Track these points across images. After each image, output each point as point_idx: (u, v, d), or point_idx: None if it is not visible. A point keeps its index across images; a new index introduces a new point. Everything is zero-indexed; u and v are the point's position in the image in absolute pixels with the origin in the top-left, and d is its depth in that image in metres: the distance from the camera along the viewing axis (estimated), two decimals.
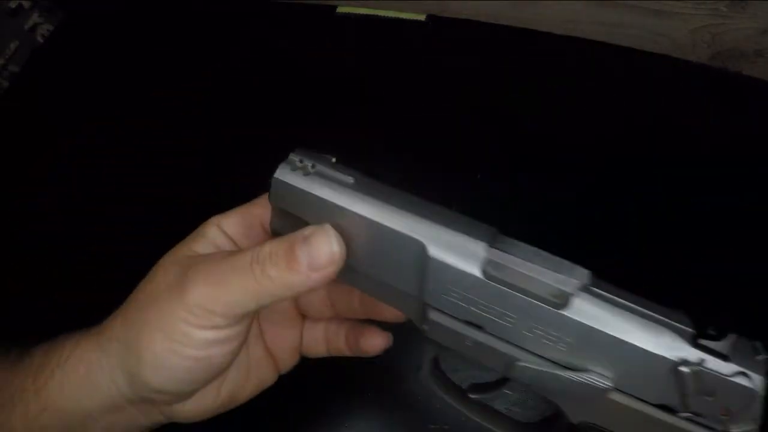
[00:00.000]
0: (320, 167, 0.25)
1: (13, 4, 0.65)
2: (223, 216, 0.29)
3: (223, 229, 0.29)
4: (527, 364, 0.24)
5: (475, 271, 0.23)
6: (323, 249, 0.23)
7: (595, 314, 0.22)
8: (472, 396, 0.29)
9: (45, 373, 0.26)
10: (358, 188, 0.24)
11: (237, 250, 0.26)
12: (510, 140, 0.54)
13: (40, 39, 0.68)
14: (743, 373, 0.21)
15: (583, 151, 0.53)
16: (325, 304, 0.32)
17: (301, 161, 0.25)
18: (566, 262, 0.24)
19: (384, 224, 0.24)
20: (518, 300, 0.23)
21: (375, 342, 0.31)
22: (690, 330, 0.22)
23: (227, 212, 0.29)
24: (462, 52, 0.61)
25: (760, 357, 0.22)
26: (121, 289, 0.44)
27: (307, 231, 0.24)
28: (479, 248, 0.23)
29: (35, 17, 0.68)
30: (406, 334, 0.44)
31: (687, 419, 0.22)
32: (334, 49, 0.62)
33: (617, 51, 0.59)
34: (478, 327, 0.24)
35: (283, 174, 0.25)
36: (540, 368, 0.23)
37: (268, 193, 0.26)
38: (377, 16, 0.63)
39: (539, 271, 0.23)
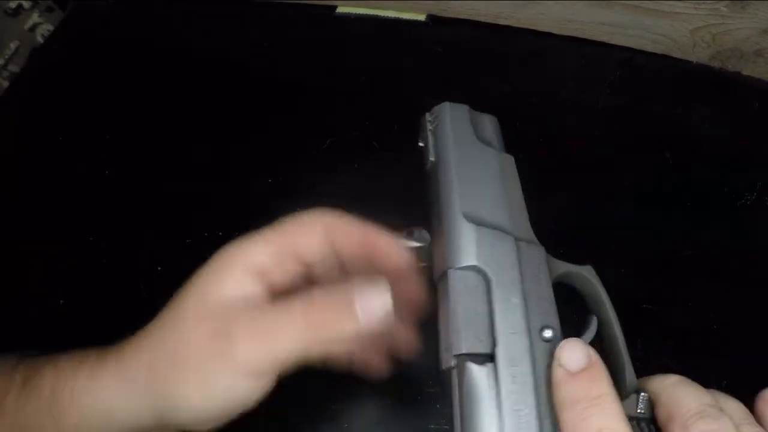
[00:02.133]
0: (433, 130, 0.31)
1: (13, 4, 0.65)
2: (247, 247, 0.27)
3: (251, 264, 0.26)
4: None
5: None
6: (378, 302, 0.24)
7: (453, 390, 0.22)
8: None
9: (58, 406, 0.26)
10: (430, 172, 0.29)
11: (283, 301, 0.25)
12: (510, 140, 0.54)
13: (40, 39, 0.68)
14: None
15: (583, 151, 0.53)
16: None
17: (431, 116, 0.32)
18: (472, 331, 0.23)
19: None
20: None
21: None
22: None
23: (251, 241, 0.27)
24: (462, 52, 0.61)
25: None
26: (116, 288, 0.43)
27: (358, 282, 0.25)
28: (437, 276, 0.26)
29: (35, 17, 0.67)
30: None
31: None
32: (333, 48, 0.62)
33: (617, 51, 0.59)
34: None
35: (423, 121, 0.32)
36: None
37: (305, 214, 0.28)
38: (377, 16, 0.63)
39: (444, 326, 0.24)
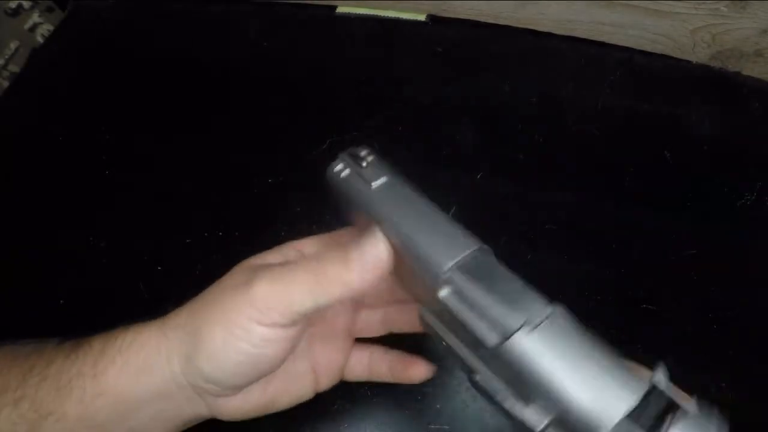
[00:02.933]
0: (356, 169, 0.29)
1: (13, 4, 0.65)
2: (303, 240, 0.33)
3: (299, 249, 0.32)
4: (480, 379, 0.24)
5: (438, 289, 0.24)
6: (371, 250, 0.27)
7: (534, 356, 0.21)
8: None
9: (105, 359, 0.28)
10: (381, 192, 0.28)
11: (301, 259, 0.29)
12: (510, 140, 0.54)
13: (40, 39, 0.68)
14: None
15: (582, 151, 0.53)
16: (382, 322, 0.35)
17: (345, 163, 0.29)
18: (531, 294, 0.23)
19: (395, 230, 0.26)
20: (465, 322, 0.23)
21: (421, 371, 0.34)
22: (632, 398, 0.20)
23: (306, 238, 0.33)
24: (462, 52, 0.61)
25: None
26: (116, 288, 0.43)
27: (360, 238, 0.27)
28: (446, 266, 0.24)
29: (35, 17, 0.68)
30: (407, 337, 0.44)
31: None
32: (333, 48, 0.62)
33: (617, 51, 0.59)
34: (445, 335, 0.26)
35: (332, 169, 0.30)
36: (489, 387, 0.24)
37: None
38: (377, 16, 0.63)
39: (492, 300, 0.23)
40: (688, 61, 0.58)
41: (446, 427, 0.39)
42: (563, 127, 0.54)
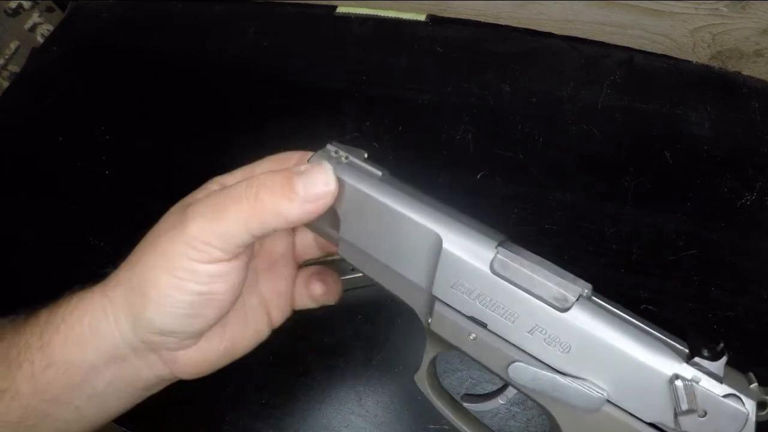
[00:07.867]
0: (353, 159, 0.27)
1: (13, 4, 0.65)
2: (225, 175, 0.30)
3: (224, 184, 0.30)
4: (525, 365, 0.24)
5: (484, 266, 0.24)
6: (319, 181, 0.25)
7: (596, 322, 0.22)
8: (465, 404, 0.30)
9: (50, 329, 0.27)
10: (386, 181, 0.26)
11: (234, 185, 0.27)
12: (510, 140, 0.54)
13: (40, 39, 0.68)
14: (736, 396, 0.21)
15: (582, 151, 0.53)
16: (318, 243, 0.33)
17: (336, 152, 0.27)
18: (570, 273, 0.24)
19: (406, 214, 0.25)
20: (522, 299, 0.23)
21: (316, 289, 0.32)
22: (685, 349, 0.22)
23: (229, 172, 0.31)
24: (462, 52, 0.61)
25: (753, 385, 0.22)
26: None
27: (303, 167, 0.25)
28: (489, 246, 0.24)
29: (35, 17, 0.68)
30: (407, 336, 0.44)
31: None
32: (333, 48, 0.62)
33: (617, 51, 0.59)
34: (482, 324, 0.24)
35: (319, 160, 0.26)
36: (538, 370, 0.23)
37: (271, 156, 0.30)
38: (377, 16, 0.63)
39: (544, 275, 0.23)
40: (688, 61, 0.58)
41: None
42: (563, 127, 0.54)
